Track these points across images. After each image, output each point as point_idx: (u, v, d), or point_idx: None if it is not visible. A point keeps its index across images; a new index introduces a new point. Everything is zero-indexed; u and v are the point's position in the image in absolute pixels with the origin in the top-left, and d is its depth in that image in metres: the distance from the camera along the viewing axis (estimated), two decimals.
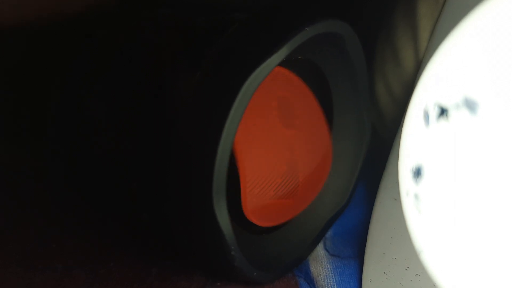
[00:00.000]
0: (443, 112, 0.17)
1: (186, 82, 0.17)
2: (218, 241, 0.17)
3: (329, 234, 0.24)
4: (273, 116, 0.21)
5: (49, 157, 0.24)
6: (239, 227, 0.20)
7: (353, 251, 0.23)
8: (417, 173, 0.18)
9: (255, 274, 0.19)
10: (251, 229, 0.21)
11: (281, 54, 0.16)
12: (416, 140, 0.18)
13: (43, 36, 0.24)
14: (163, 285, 0.21)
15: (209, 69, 0.17)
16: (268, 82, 0.20)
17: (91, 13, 0.23)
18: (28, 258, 0.22)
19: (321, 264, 0.22)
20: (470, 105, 0.17)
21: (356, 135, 0.24)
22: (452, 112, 0.17)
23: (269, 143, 0.20)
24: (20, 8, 0.21)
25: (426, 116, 0.18)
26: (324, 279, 0.22)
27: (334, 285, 0.21)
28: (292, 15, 0.19)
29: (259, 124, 0.20)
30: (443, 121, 0.17)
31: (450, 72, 0.18)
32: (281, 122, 0.21)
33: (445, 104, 0.17)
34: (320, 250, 0.23)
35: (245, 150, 0.19)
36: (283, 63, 0.20)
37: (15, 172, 0.27)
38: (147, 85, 0.19)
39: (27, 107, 0.24)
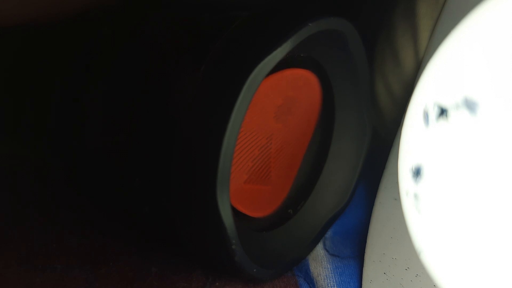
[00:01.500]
0: (442, 112, 0.17)
1: (190, 76, 0.17)
2: (219, 234, 0.17)
3: (329, 233, 0.24)
4: (270, 111, 0.21)
5: (50, 155, 0.24)
6: (240, 223, 0.20)
7: (353, 251, 0.23)
8: (417, 173, 0.18)
9: (254, 270, 0.19)
10: (252, 225, 0.21)
11: (284, 48, 0.17)
12: (416, 140, 0.18)
13: (45, 34, 0.24)
14: (163, 285, 0.21)
15: (213, 63, 0.17)
16: (282, 83, 0.20)
17: (95, 12, 0.23)
18: (28, 258, 0.22)
19: (321, 264, 0.22)
20: (470, 105, 0.17)
21: (357, 133, 0.24)
22: (451, 112, 0.17)
23: (250, 130, 0.20)
24: (21, 7, 0.21)
25: (426, 116, 0.18)
26: (324, 279, 0.22)
27: (334, 285, 0.21)
28: (295, 12, 0.19)
29: (251, 115, 0.20)
30: (442, 121, 0.17)
31: (450, 72, 0.18)
32: (274, 117, 0.21)
33: (445, 104, 0.17)
34: (320, 250, 0.23)
35: None
36: (289, 62, 0.20)
37: (15, 171, 0.27)
38: (151, 80, 0.19)
39: (28, 106, 0.24)
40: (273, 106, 0.21)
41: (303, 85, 0.21)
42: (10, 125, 0.25)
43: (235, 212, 0.21)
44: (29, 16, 0.22)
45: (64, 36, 0.23)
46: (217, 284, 0.21)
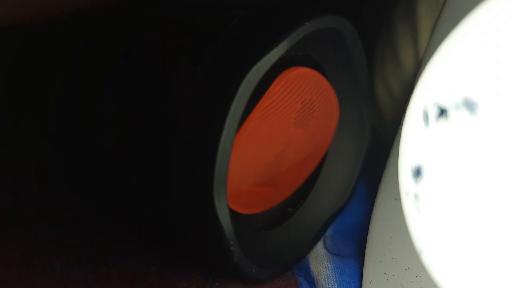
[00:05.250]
0: (442, 112, 0.17)
1: (187, 77, 0.17)
2: (217, 235, 0.17)
3: (329, 232, 0.24)
4: (291, 117, 0.20)
5: (49, 155, 0.24)
6: (239, 223, 0.20)
7: (353, 250, 0.23)
8: (417, 173, 0.18)
9: (254, 271, 0.19)
10: (251, 225, 0.21)
11: (280, 49, 0.16)
12: (416, 140, 0.18)
13: (45, 34, 0.24)
14: (162, 285, 0.21)
15: (209, 64, 0.17)
16: (299, 84, 0.20)
17: (95, 12, 0.23)
18: (28, 258, 0.22)
19: (321, 263, 0.22)
20: (470, 105, 0.17)
21: (356, 131, 0.23)
22: (451, 112, 0.17)
23: (268, 136, 0.20)
24: (21, 8, 0.21)
25: (426, 116, 0.18)
26: (324, 278, 0.22)
27: (334, 285, 0.21)
28: (292, 11, 0.19)
29: (270, 121, 0.19)
30: (442, 121, 0.17)
31: (449, 72, 0.18)
32: (294, 123, 0.21)
33: (445, 104, 0.17)
34: (320, 248, 0.23)
35: (241, 141, 0.19)
36: (289, 61, 0.20)
37: (15, 171, 0.27)
38: (150, 81, 0.19)
39: (28, 106, 0.24)
40: (293, 112, 0.20)
41: (316, 85, 0.21)
42: (10, 125, 0.25)
43: (232, 212, 0.21)
44: (29, 16, 0.22)
45: (64, 36, 0.23)
46: (216, 284, 0.21)
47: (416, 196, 0.18)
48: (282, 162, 0.22)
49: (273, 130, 0.20)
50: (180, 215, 0.18)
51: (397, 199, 0.19)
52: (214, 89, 0.16)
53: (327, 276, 0.22)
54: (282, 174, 0.22)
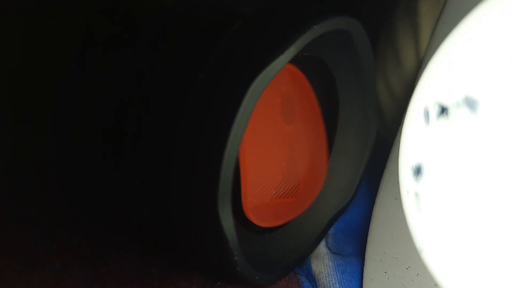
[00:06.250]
0: (443, 110, 0.17)
1: (190, 81, 0.17)
2: (221, 246, 0.17)
3: (331, 231, 0.24)
4: (276, 112, 0.20)
5: (49, 155, 0.24)
6: (241, 226, 0.20)
7: (355, 248, 0.23)
8: (417, 171, 0.18)
9: (257, 277, 0.19)
10: (253, 228, 0.21)
11: (288, 55, 0.16)
12: (416, 138, 0.18)
13: (45, 34, 0.24)
14: (163, 285, 0.21)
15: (214, 69, 0.16)
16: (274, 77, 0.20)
17: (95, 12, 0.23)
18: (27, 257, 0.22)
19: (323, 262, 0.22)
20: (470, 104, 0.17)
21: (361, 130, 0.23)
22: (452, 111, 0.17)
23: (269, 140, 0.20)
24: None
25: (427, 115, 0.18)
26: (325, 277, 0.22)
27: (336, 283, 0.21)
28: (300, 13, 0.18)
29: (262, 121, 0.19)
30: (443, 119, 0.17)
31: (450, 71, 0.18)
32: (283, 119, 0.21)
33: (445, 103, 0.17)
34: (321, 248, 0.23)
35: (247, 149, 0.19)
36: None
37: (15, 171, 0.27)
38: (151, 83, 0.18)
39: (28, 106, 0.24)
40: (276, 106, 0.20)
41: (291, 78, 0.21)
42: (10, 125, 0.25)
43: (235, 214, 0.20)
44: None
45: (64, 36, 0.23)
46: (218, 284, 0.21)
47: (416, 194, 0.18)
48: (296, 168, 0.21)
49: (268, 128, 0.20)
50: (183, 223, 0.18)
51: (397, 198, 0.19)
52: (220, 96, 0.16)
53: (328, 274, 0.22)
54: (300, 182, 0.22)
